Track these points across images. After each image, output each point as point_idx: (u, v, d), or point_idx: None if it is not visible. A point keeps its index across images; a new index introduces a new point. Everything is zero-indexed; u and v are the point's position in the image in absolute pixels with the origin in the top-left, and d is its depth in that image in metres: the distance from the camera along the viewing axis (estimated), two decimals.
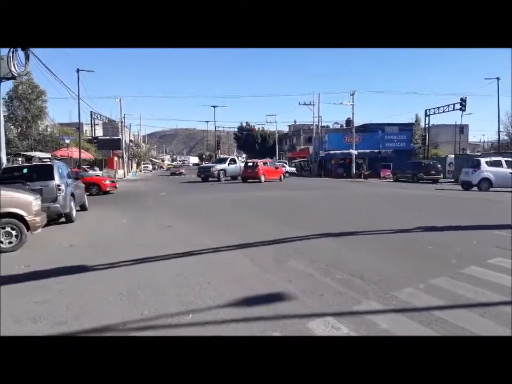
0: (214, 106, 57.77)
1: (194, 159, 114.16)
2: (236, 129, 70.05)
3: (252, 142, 70.07)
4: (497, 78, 25.42)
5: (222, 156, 44.32)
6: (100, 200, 15.70)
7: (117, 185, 19.98)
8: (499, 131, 28.84)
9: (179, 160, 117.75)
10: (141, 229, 8.43)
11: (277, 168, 29.52)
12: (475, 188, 18.52)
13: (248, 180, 26.62)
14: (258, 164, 27.53)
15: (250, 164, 28.39)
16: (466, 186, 19.00)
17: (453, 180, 28.81)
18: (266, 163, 28.62)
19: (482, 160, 19.07)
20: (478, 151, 46.78)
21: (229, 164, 28.74)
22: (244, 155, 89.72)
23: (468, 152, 41.97)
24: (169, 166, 78.14)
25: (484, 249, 5.90)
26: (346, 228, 7.72)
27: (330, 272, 4.77)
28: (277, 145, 57.21)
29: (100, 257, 5.68)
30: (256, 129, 68.76)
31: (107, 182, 19.36)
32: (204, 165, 39.57)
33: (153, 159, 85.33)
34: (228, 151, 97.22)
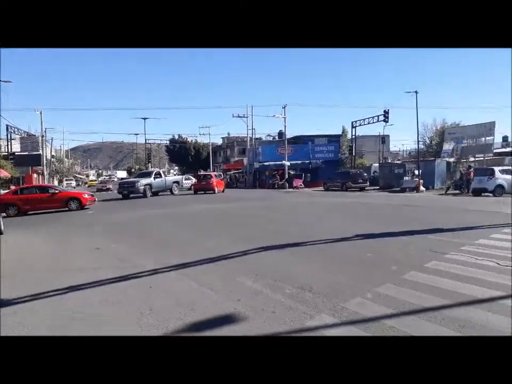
0: (144, 119, 55.79)
1: (122, 174, 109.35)
2: (168, 142, 68.50)
3: (184, 154, 68.90)
4: (416, 92, 27.57)
5: (146, 170, 40.56)
6: (17, 221, 14.24)
7: (95, 199, 19.28)
8: (418, 141, 31.29)
9: (105, 175, 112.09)
10: (69, 252, 7.69)
11: (222, 179, 31.53)
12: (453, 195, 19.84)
13: (199, 192, 28.11)
14: (212, 175, 30.43)
15: (203, 176, 30.56)
16: (480, 192, 19.57)
17: (378, 187, 30.67)
18: (217, 175, 30.58)
19: (496, 168, 20.13)
20: (398, 160, 50.49)
21: (154, 178, 25.97)
22: (176, 168, 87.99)
23: (389, 161, 45.03)
24: (92, 182, 73.98)
25: (420, 253, 6.19)
26: (289, 239, 7.71)
27: (279, 287, 4.65)
28: (211, 157, 56.87)
29: (21, 288, 5.01)
30: (189, 141, 67.83)
31: (86, 196, 18.56)
32: (126, 179, 35.82)
33: (77, 175, 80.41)
34: (159, 164, 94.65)
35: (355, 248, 6.88)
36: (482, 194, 19.46)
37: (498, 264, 5.28)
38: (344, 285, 4.65)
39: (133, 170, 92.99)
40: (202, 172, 45.55)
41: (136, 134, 69.17)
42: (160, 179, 26.54)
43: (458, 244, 6.67)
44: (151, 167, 47.68)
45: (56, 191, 18.40)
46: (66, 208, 17.35)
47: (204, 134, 56.29)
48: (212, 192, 28.00)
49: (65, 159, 66.01)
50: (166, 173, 35.41)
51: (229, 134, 66.75)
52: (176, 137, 69.49)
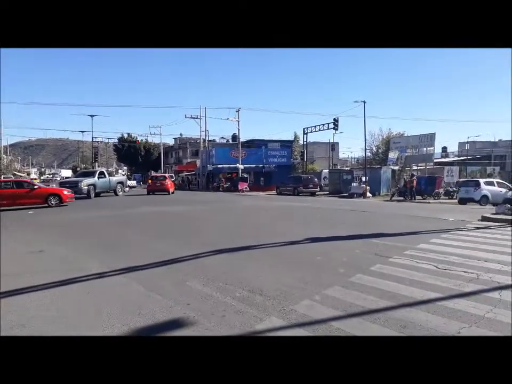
0: (92, 116, 53.37)
1: (67, 172, 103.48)
2: (116, 141, 66.15)
3: (134, 154, 66.93)
4: (364, 102, 28.78)
5: (92, 169, 38.11)
6: None
7: (74, 197, 19.11)
8: (365, 149, 32.65)
9: (49, 174, 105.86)
10: (5, 254, 7.14)
11: (174, 181, 32.34)
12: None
13: (153, 193, 28.63)
14: (166, 177, 31.68)
15: (158, 177, 31.47)
16: (466, 201, 20.44)
17: (328, 192, 31.60)
18: (171, 176, 30.98)
19: (481, 180, 21.58)
20: (346, 166, 52.38)
21: (98, 178, 24.55)
22: (125, 168, 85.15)
23: (338, 167, 46.60)
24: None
25: (365, 257, 6.43)
26: (241, 243, 7.71)
27: (230, 291, 4.62)
28: (162, 158, 55.70)
29: None
30: (139, 140, 65.98)
31: (66, 192, 18.27)
32: (68, 179, 33.30)
33: (17, 173, 75.41)
34: (107, 164, 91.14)
35: (305, 252, 7.02)
36: (467, 203, 20.52)
37: (437, 267, 5.61)
38: (294, 288, 4.72)
39: (78, 169, 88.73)
40: (153, 173, 44.41)
41: (83, 132, 66.27)
42: (104, 179, 25.25)
43: (401, 248, 7.02)
44: (98, 167, 45.73)
45: (36, 187, 17.88)
46: (46, 205, 17.01)
47: (154, 134, 55.22)
48: (166, 193, 28.61)
49: (4, 156, 61.60)
50: (114, 173, 34.15)
51: (181, 134, 65.74)
52: (126, 136, 67.31)
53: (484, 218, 11.78)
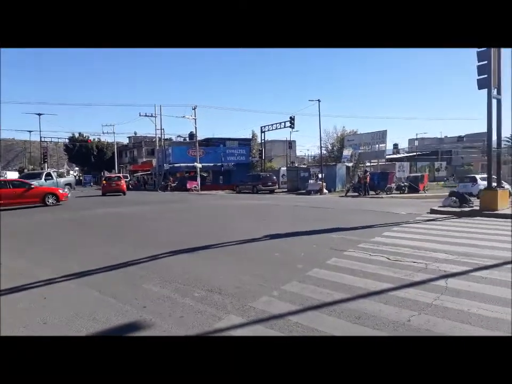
0: (39, 114, 50.53)
1: (13, 174, 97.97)
2: (67, 140, 63.23)
3: (86, 154, 64.33)
4: (318, 100, 29.43)
5: (41, 170, 36.28)
6: None
7: (68, 196, 19.85)
8: (321, 146, 33.42)
9: None
10: None
11: (29, 188, 28.34)
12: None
13: (108, 194, 28.24)
14: (121, 177, 31.60)
15: (112, 178, 31.08)
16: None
17: (286, 190, 32.03)
18: (126, 176, 30.78)
19: (477, 176, 22.38)
20: (304, 164, 53.33)
21: (45, 179, 23.78)
22: (77, 168, 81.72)
23: (296, 165, 47.36)
24: None
25: (322, 251, 6.59)
26: (199, 242, 7.63)
27: (188, 291, 4.57)
28: (116, 158, 53.89)
29: None
30: (91, 140, 63.51)
31: (61, 191, 19.12)
32: (12, 181, 31.10)
33: None
34: (58, 165, 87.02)
35: (264, 249, 7.08)
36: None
37: (389, 258, 5.85)
38: (253, 285, 4.74)
39: (26, 170, 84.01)
40: (107, 173, 42.93)
41: (30, 131, 62.81)
42: (52, 181, 24.21)
43: (355, 242, 7.25)
44: (48, 167, 43.53)
45: (32, 186, 18.15)
46: (43, 204, 17.61)
47: (107, 133, 53.12)
48: (121, 194, 28.55)
49: None
50: (65, 174, 33.00)
51: (135, 133, 63.92)
52: (77, 135, 64.53)
53: (432, 211, 12.45)
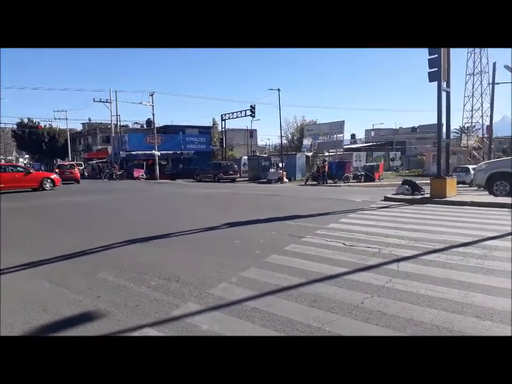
0: None
1: None
2: (15, 126, 59.54)
3: (36, 141, 60.88)
4: (278, 90, 29.54)
5: None
6: None
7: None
8: (281, 136, 33.69)
9: None
10: None
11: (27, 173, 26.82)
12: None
13: (65, 182, 26.04)
14: (75, 165, 30.85)
15: (65, 165, 30.18)
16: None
17: (248, 179, 32.08)
18: (80, 164, 30.39)
19: (470, 166, 23.99)
20: (265, 153, 53.57)
21: None
22: (27, 156, 77.41)
23: (257, 154, 47.47)
24: None
25: (280, 238, 6.67)
26: (156, 231, 7.49)
27: (144, 280, 4.47)
28: (69, 145, 51.58)
29: None
30: (42, 126, 60.16)
31: (57, 176, 20.15)
32: None
33: None
34: (5, 152, 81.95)
35: (223, 237, 7.06)
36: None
37: (344, 244, 6.02)
38: (211, 273, 4.72)
39: None
40: (59, 161, 40.98)
41: None
42: None
43: (313, 228, 7.40)
44: None
45: (31, 171, 19.59)
46: (40, 188, 18.86)
47: (59, 119, 50.62)
48: (75, 182, 27.85)
49: None
50: (14, 162, 31.32)
51: (90, 119, 61.34)
52: (26, 121, 60.89)
53: (386, 199, 12.94)
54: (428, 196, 12.65)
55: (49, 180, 19.11)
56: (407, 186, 13.83)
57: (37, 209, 12.32)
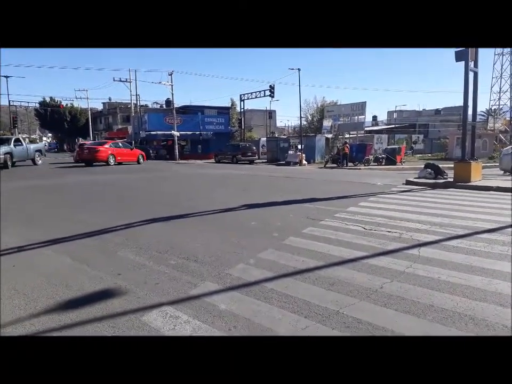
0: (7, 77, 47.89)
1: None
2: (38, 105, 60.53)
3: (59, 120, 61.92)
4: (299, 69, 28.95)
5: (11, 135, 30.68)
6: None
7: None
8: (301, 117, 33.22)
9: None
10: None
11: (132, 149, 26.40)
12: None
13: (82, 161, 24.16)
14: (106, 142, 26.13)
15: (89, 146, 25.28)
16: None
17: (266, 160, 31.92)
18: (118, 144, 26.06)
19: None
20: (284, 134, 53.12)
21: (14, 145, 21.62)
22: (50, 135, 78.95)
23: (276, 135, 47.10)
24: None
25: (298, 220, 6.63)
26: (176, 211, 7.56)
27: (164, 259, 4.53)
28: (90, 124, 52.20)
29: None
30: (64, 105, 60.98)
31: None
32: None
33: None
34: (29, 130, 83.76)
35: (241, 218, 7.07)
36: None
37: (364, 228, 5.95)
38: (229, 253, 4.74)
39: None
40: (81, 140, 41.60)
41: None
42: (21, 147, 22.48)
43: (332, 212, 7.33)
44: (18, 133, 41.79)
45: (133, 148, 26.18)
46: (136, 162, 25.26)
47: (80, 98, 51.09)
48: (104, 163, 23.90)
49: None
50: (38, 141, 31.57)
51: (110, 99, 61.82)
52: (48, 100, 61.78)
53: (408, 182, 12.69)
54: (451, 180, 12.34)
55: (142, 157, 25.78)
56: (429, 170, 13.52)
57: (58, 187, 12.59)
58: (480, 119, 40.86)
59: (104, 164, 23.27)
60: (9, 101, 48.54)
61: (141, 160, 25.34)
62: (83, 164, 23.97)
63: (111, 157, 23.68)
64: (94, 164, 23.29)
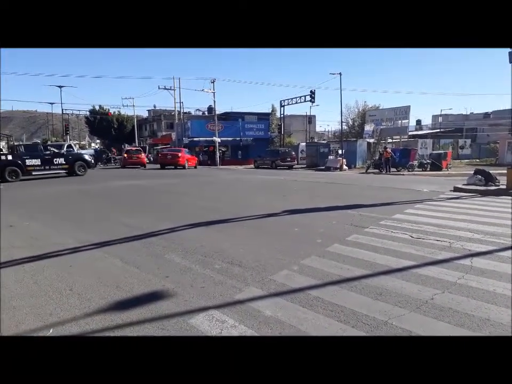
0: (60, 87, 50.81)
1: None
2: (88, 113, 63.73)
3: (107, 127, 64.72)
4: (340, 74, 28.57)
5: (63, 142, 34.83)
6: None
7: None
8: (342, 121, 32.70)
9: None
10: None
11: (193, 155, 31.90)
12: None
13: (132, 166, 29.02)
14: (141, 150, 32.77)
15: (134, 151, 31.61)
16: None
17: (305, 166, 31.73)
18: (186, 151, 30.72)
19: None
20: (323, 140, 52.59)
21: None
22: (98, 141, 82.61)
23: (315, 140, 46.73)
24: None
25: (341, 227, 6.53)
26: (219, 216, 7.68)
27: (209, 263, 4.61)
28: (136, 131, 54.22)
29: None
30: (112, 113, 63.76)
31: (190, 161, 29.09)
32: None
33: None
34: (79, 137, 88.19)
35: (283, 224, 7.06)
36: None
37: (411, 236, 5.75)
38: (272, 259, 4.75)
39: (49, 142, 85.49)
40: (127, 146, 43.27)
41: (51, 103, 63.62)
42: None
43: (376, 219, 7.15)
44: (70, 140, 44.15)
45: (179, 155, 27.85)
46: (182, 168, 27.53)
47: (127, 106, 53.24)
48: (143, 166, 29.80)
49: None
50: (87, 146, 33.53)
51: (155, 106, 63.97)
52: (97, 108, 64.88)
53: (456, 189, 12.14)
54: (504, 187, 11.67)
55: (187, 162, 28.15)
56: (479, 176, 12.87)
57: (105, 191, 13.15)
58: None
59: (181, 167, 27.88)
60: (62, 109, 51.51)
61: (186, 166, 27.68)
62: (135, 167, 28.42)
63: (186, 162, 28.32)
64: (172, 167, 27.75)
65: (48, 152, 19.07)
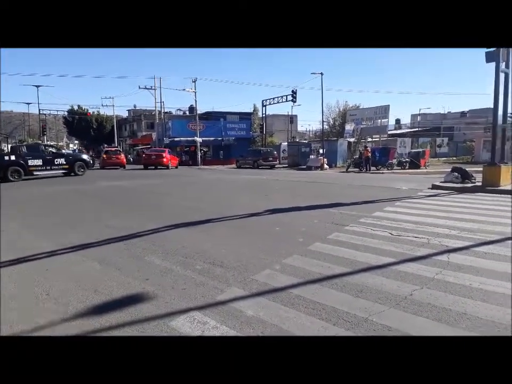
0: (37, 86, 49.68)
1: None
2: (66, 113, 62.42)
3: (85, 127, 63.58)
4: (321, 73, 28.77)
5: (41, 142, 33.48)
6: None
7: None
8: (323, 121, 32.96)
9: None
10: None
11: (175, 156, 32.62)
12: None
13: (111, 167, 28.73)
14: (120, 151, 33.30)
15: (113, 151, 31.48)
16: None
17: (287, 165, 31.87)
18: (169, 151, 30.86)
19: None
20: (305, 139, 52.94)
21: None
22: (76, 142, 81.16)
23: (297, 140, 46.98)
24: None
25: (323, 226, 6.58)
26: (201, 216, 7.63)
27: (190, 264, 4.57)
28: (115, 131, 53.37)
29: None
30: (91, 113, 62.66)
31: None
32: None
33: None
34: (57, 137, 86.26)
35: (265, 223, 7.07)
36: None
37: (391, 234, 5.84)
38: (254, 258, 4.74)
39: (25, 143, 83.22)
40: (106, 147, 42.54)
41: (28, 103, 62.14)
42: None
43: (357, 217, 7.24)
44: (47, 141, 43.17)
45: (164, 155, 28.06)
46: (166, 168, 27.79)
47: (107, 106, 52.39)
48: (122, 167, 29.67)
49: None
50: (65, 147, 33.32)
51: (135, 106, 63.06)
52: (76, 108, 63.64)
53: (434, 187, 12.41)
54: (480, 184, 11.99)
55: (171, 162, 28.87)
56: (456, 173, 13.18)
57: (81, 193, 12.91)
58: (510, 121, 39.58)
59: (164, 168, 28.12)
60: (39, 109, 50.24)
61: (171, 166, 28.21)
62: (114, 168, 28.32)
63: (169, 162, 28.69)
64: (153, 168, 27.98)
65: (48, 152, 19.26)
